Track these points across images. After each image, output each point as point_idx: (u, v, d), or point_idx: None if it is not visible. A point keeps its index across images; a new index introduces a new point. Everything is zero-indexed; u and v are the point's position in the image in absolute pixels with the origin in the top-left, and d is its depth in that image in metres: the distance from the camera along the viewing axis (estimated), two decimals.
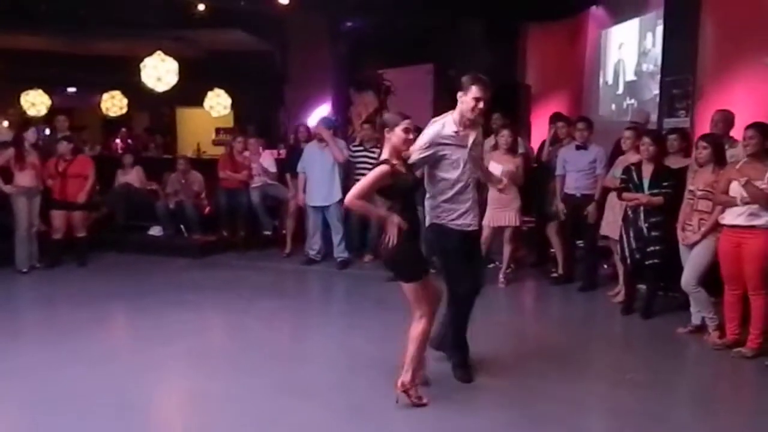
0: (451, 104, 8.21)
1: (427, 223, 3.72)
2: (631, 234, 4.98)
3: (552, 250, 6.44)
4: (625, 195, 5.06)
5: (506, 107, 8.15)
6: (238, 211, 7.55)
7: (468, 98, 3.57)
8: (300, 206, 7.04)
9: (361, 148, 7.06)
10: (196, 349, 4.37)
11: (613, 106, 8.27)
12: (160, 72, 7.73)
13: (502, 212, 5.88)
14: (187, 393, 3.83)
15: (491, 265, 6.49)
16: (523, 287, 6.13)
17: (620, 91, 8.13)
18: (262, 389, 3.62)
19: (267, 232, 7.63)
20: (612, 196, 5.46)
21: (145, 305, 5.40)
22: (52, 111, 10.43)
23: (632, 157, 5.27)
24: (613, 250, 5.50)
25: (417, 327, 3.35)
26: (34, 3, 8.46)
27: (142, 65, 7.79)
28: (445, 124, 3.61)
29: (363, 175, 6.85)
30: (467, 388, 3.64)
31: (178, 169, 7.76)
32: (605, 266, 6.18)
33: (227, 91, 10.38)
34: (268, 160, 7.55)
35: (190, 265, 6.99)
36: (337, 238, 6.81)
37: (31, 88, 10.41)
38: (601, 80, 8.60)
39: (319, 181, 6.69)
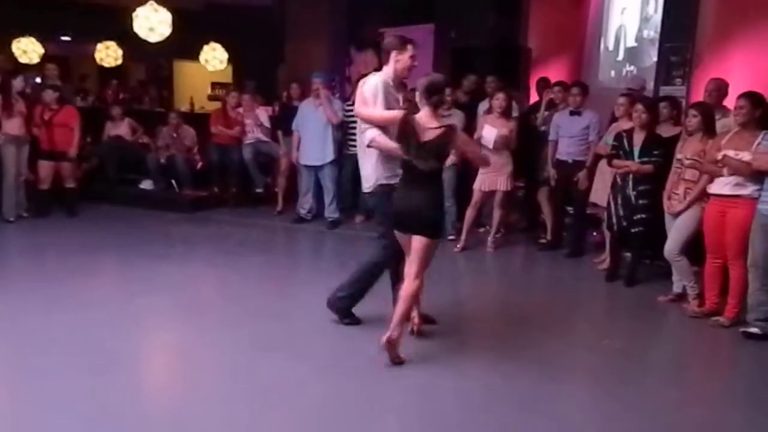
0: (453, 66, 8.07)
1: (372, 181, 3.76)
2: (619, 201, 4.96)
3: (542, 216, 6.45)
4: (614, 162, 5.02)
5: (506, 70, 8.09)
6: (230, 167, 7.51)
7: (405, 57, 3.65)
8: (292, 164, 7.00)
9: (353, 106, 6.98)
10: (178, 301, 4.39)
11: (613, 73, 8.16)
12: (152, 22, 7.54)
13: (494, 177, 5.84)
14: (164, 344, 3.87)
15: (482, 230, 6.51)
16: (511, 252, 6.13)
17: (620, 57, 8.02)
18: (240, 342, 3.66)
19: (258, 190, 7.60)
20: (603, 163, 5.42)
21: (132, 257, 5.43)
22: (46, 59, 10.31)
23: (625, 124, 5.21)
24: (601, 218, 5.50)
25: (412, 285, 3.40)
26: None
27: (134, 15, 7.61)
28: (384, 80, 3.66)
29: (356, 133, 6.93)
30: (446, 347, 3.67)
31: (170, 123, 7.69)
32: (594, 233, 6.19)
33: (227, 46, 10.21)
34: (263, 116, 7.47)
35: (181, 220, 6.99)
36: (328, 197, 6.79)
37: (23, 34, 10.24)
38: (602, 45, 8.46)
39: (312, 140, 6.63)
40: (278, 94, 9.57)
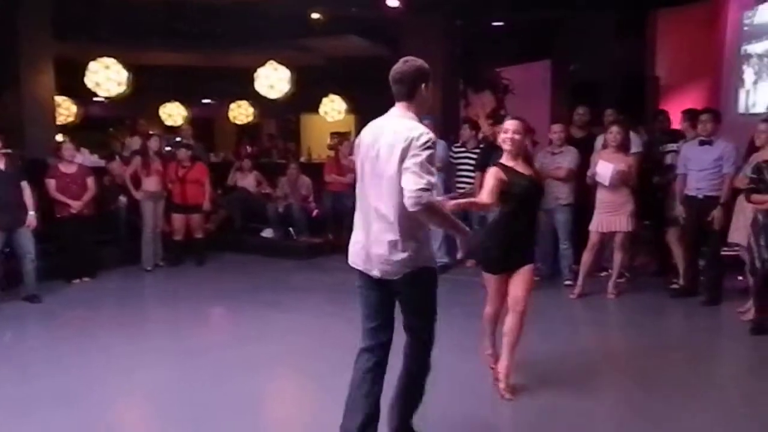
0: (572, 101, 7.64)
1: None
2: (762, 241, 4.33)
3: (674, 259, 5.82)
4: (754, 197, 4.41)
5: (632, 102, 7.56)
6: (343, 214, 7.64)
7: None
8: None
9: (463, 149, 6.87)
10: (288, 348, 4.45)
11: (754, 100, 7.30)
12: (272, 80, 8.06)
13: (613, 216, 5.38)
14: (241, 394, 3.86)
15: (603, 273, 6.00)
16: (637, 299, 5.53)
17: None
18: (336, 390, 3.56)
19: None
20: (741, 199, 4.79)
21: (244, 304, 5.65)
22: (194, 121, 11.39)
23: (766, 154, 4.58)
24: (743, 260, 4.81)
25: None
26: (174, 22, 9.21)
27: (255, 75, 8.17)
28: None
29: (464, 175, 6.80)
30: (557, 409, 3.32)
31: (288, 174, 8.04)
32: (739, 278, 5.43)
33: (348, 97, 10.62)
34: None
35: (297, 267, 7.20)
36: (436, 242, 6.63)
37: (168, 100, 11.42)
38: (745, 70, 7.62)
39: None
40: None
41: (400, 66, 2.70)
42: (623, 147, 5.37)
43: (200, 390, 3.66)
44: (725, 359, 4.36)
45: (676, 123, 6.17)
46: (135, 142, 7.76)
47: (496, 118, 7.17)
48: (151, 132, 8.32)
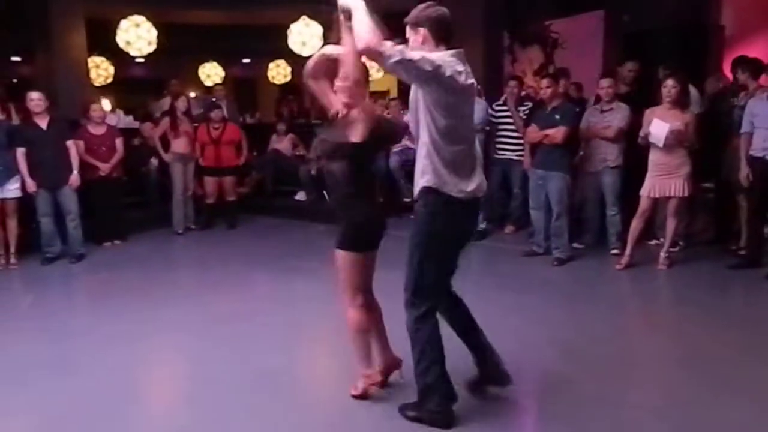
0: (624, 54, 7.06)
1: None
2: None
3: (737, 225, 5.32)
4: None
5: (692, 54, 6.89)
6: (376, 176, 7.33)
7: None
8: None
9: (504, 107, 6.41)
10: (306, 318, 4.25)
11: None
12: (305, 37, 7.71)
13: (666, 180, 4.89)
14: (262, 365, 3.69)
15: (653, 242, 5.54)
16: (691, 270, 5.05)
17: None
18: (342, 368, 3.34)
19: (406, 199, 7.33)
20: None
21: (273, 270, 5.50)
22: (231, 81, 11.19)
23: None
24: None
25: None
26: None
27: (288, 31, 7.84)
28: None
29: (505, 136, 6.36)
30: (592, 397, 3.00)
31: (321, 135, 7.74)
32: None
33: None
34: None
35: (328, 231, 6.97)
36: None
37: (207, 60, 11.24)
38: None
39: None
40: None
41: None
42: (680, 103, 4.83)
43: (219, 360, 3.50)
44: None
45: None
46: (166, 103, 7.60)
47: (547, 74, 6.65)
48: (187, 93, 8.15)
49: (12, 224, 5.57)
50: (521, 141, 6.02)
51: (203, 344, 3.77)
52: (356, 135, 2.71)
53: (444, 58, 2.47)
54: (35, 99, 5.60)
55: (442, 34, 2.57)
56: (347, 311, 2.88)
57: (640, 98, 5.42)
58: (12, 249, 5.61)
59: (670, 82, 4.78)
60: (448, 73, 2.42)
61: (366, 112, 2.76)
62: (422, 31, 2.57)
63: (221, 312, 4.38)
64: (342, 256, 2.81)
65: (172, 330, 4.04)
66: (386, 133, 3.09)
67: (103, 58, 9.73)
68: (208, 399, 3.05)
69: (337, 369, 3.42)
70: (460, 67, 2.49)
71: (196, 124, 7.14)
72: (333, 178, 2.79)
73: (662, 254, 5.08)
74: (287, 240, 6.72)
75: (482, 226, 6.26)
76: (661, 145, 4.77)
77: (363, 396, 2.95)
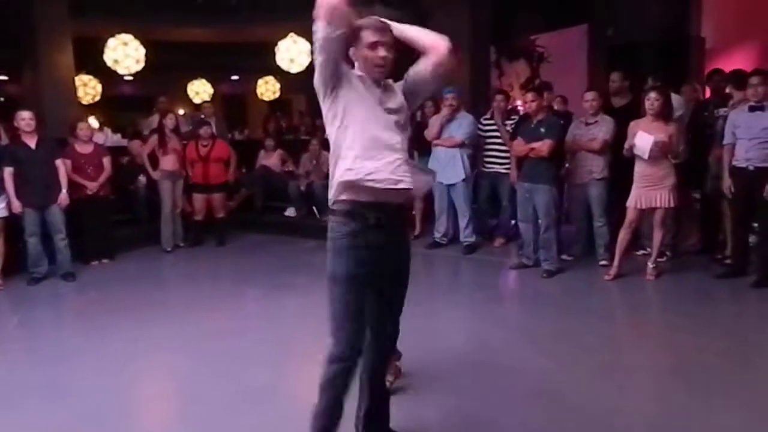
0: (608, 67, 7.14)
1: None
2: None
3: (722, 235, 5.38)
4: None
5: (674, 65, 7.01)
6: None
7: (363, 51, 2.30)
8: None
9: (492, 121, 6.47)
10: (296, 334, 4.23)
11: None
12: (292, 53, 7.78)
13: (652, 191, 4.95)
14: (253, 382, 3.68)
15: (640, 252, 5.59)
16: (678, 280, 5.10)
17: None
18: None
19: None
20: None
21: (263, 287, 5.47)
22: (220, 98, 11.25)
23: None
24: None
25: None
26: None
27: (276, 48, 7.90)
28: None
29: (493, 149, 6.41)
30: (566, 409, 3.01)
31: (310, 150, 7.78)
32: None
33: None
34: None
35: (319, 247, 6.94)
36: (463, 220, 6.30)
37: (195, 78, 11.28)
38: None
39: (443, 158, 6.22)
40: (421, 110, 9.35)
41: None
42: (663, 115, 4.90)
43: (209, 378, 3.47)
44: None
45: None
46: (154, 121, 7.61)
47: (532, 87, 6.72)
48: (176, 110, 8.16)
49: None
50: (509, 154, 6.08)
51: (193, 362, 3.75)
52: None
53: None
54: (26, 118, 5.59)
55: None
56: None
57: (629, 110, 5.48)
58: None
59: (653, 95, 4.85)
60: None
61: None
62: None
63: (211, 329, 4.35)
64: None
65: (162, 348, 4.02)
66: None
67: (90, 77, 9.74)
68: (199, 417, 3.03)
69: None
70: None
71: (184, 142, 7.15)
72: None
73: (650, 264, 5.13)
74: (277, 256, 6.71)
75: (471, 239, 6.30)
76: (646, 157, 4.83)
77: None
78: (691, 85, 6.12)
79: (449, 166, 6.15)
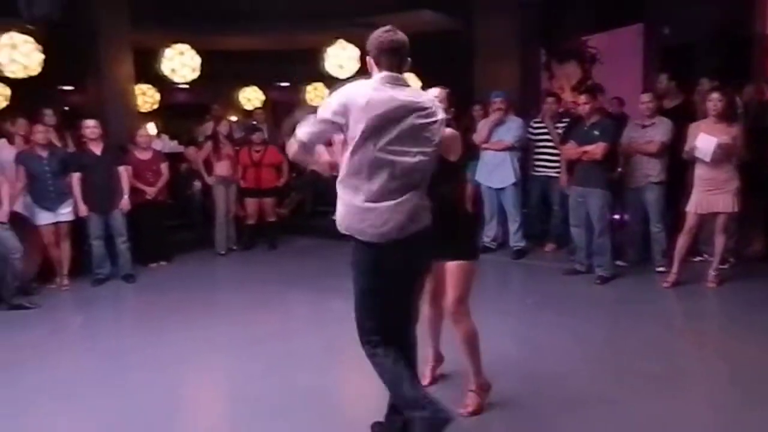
0: (663, 67, 6.97)
1: None
2: None
3: None
4: None
5: (734, 65, 6.76)
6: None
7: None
8: (478, 189, 6.59)
9: (542, 124, 6.38)
10: (327, 341, 4.25)
11: None
12: (341, 60, 7.85)
13: (714, 195, 4.78)
14: (302, 385, 3.71)
15: (697, 259, 5.40)
16: (741, 289, 4.90)
17: None
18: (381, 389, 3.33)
19: None
20: None
21: (313, 290, 5.55)
22: (270, 104, 11.45)
23: None
24: None
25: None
26: (234, 4, 9.21)
27: (324, 55, 7.98)
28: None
29: (543, 153, 6.31)
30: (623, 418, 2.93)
31: None
32: None
33: (419, 74, 10.23)
34: None
35: None
36: (513, 225, 6.23)
37: (246, 85, 11.51)
38: None
39: (492, 161, 6.16)
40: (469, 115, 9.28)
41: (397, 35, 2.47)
42: (726, 116, 4.72)
43: (259, 380, 3.54)
44: None
45: None
46: (209, 128, 7.81)
47: (585, 89, 6.58)
48: (229, 117, 8.36)
49: (65, 246, 5.78)
50: (560, 158, 5.97)
51: (242, 363, 3.83)
52: (454, 154, 2.77)
53: (332, 99, 2.42)
54: (91, 126, 5.86)
55: (384, 59, 2.43)
56: (464, 323, 2.90)
57: (680, 112, 5.32)
58: (64, 271, 5.81)
59: (715, 95, 4.69)
60: (326, 116, 2.41)
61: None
62: (368, 57, 2.49)
63: (260, 332, 4.44)
64: (466, 267, 2.87)
65: (213, 349, 4.13)
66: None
67: (149, 86, 10.07)
68: (246, 418, 3.11)
69: (376, 390, 3.41)
70: (344, 100, 2.36)
71: (237, 148, 7.31)
72: (444, 200, 2.73)
73: (711, 272, 4.95)
74: (326, 260, 6.75)
75: (521, 244, 6.21)
76: (708, 159, 4.67)
77: (477, 411, 2.94)
78: (757, 85, 5.87)
79: (498, 170, 6.10)
